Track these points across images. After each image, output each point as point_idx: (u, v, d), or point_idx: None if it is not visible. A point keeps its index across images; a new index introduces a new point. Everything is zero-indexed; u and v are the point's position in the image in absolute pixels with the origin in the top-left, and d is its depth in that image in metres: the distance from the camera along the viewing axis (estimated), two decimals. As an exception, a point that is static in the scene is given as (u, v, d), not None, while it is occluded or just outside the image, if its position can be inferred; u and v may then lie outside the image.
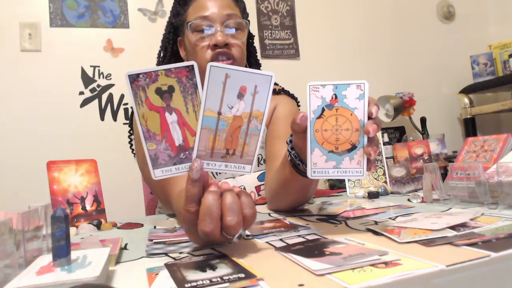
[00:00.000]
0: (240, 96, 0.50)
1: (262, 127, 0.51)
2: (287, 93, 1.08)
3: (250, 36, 1.06)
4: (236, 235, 0.46)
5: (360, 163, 0.54)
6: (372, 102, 0.54)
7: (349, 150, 0.54)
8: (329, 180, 1.82)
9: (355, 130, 0.54)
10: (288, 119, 0.92)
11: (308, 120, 0.54)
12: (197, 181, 0.46)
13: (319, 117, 0.54)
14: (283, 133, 0.96)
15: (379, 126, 0.54)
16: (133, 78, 0.48)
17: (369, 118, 0.54)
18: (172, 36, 1.01)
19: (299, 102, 1.11)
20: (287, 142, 0.66)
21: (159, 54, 1.04)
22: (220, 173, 0.96)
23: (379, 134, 1.07)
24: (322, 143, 0.54)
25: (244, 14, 0.99)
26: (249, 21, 0.96)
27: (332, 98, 0.54)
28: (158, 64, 1.03)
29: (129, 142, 1.12)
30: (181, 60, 1.00)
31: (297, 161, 0.64)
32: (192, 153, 0.50)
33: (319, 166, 0.54)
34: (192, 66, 0.49)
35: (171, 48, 1.01)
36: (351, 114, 0.54)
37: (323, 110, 0.54)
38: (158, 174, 0.50)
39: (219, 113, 0.49)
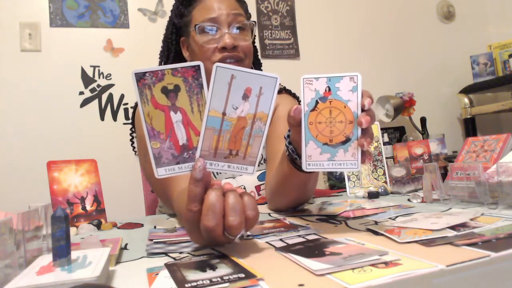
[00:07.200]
0: (245, 97, 0.50)
1: (266, 129, 0.51)
2: (288, 92, 1.08)
3: None
4: (238, 236, 0.46)
5: (354, 155, 0.54)
6: (366, 94, 0.54)
7: (344, 143, 0.54)
8: (329, 180, 1.82)
9: (349, 123, 0.54)
10: None
11: (302, 113, 0.54)
12: (199, 181, 0.46)
13: (313, 109, 0.54)
14: (283, 133, 0.95)
15: (373, 118, 0.54)
16: (140, 77, 0.48)
17: (363, 110, 0.54)
18: (174, 37, 1.00)
19: (300, 101, 1.10)
20: (284, 137, 0.66)
21: (161, 54, 1.04)
22: (220, 173, 0.96)
23: (379, 133, 1.07)
24: (316, 136, 0.54)
25: (247, 14, 0.99)
26: (255, 22, 0.96)
27: (325, 90, 0.54)
28: (161, 64, 1.03)
29: (131, 140, 1.12)
30: (183, 60, 1.00)
31: (294, 156, 0.64)
32: (195, 153, 0.50)
33: (314, 158, 0.54)
34: (199, 66, 0.49)
35: (174, 48, 1.01)
36: (345, 107, 0.54)
37: (317, 102, 0.54)
38: (161, 172, 0.50)
39: (224, 114, 0.49)
